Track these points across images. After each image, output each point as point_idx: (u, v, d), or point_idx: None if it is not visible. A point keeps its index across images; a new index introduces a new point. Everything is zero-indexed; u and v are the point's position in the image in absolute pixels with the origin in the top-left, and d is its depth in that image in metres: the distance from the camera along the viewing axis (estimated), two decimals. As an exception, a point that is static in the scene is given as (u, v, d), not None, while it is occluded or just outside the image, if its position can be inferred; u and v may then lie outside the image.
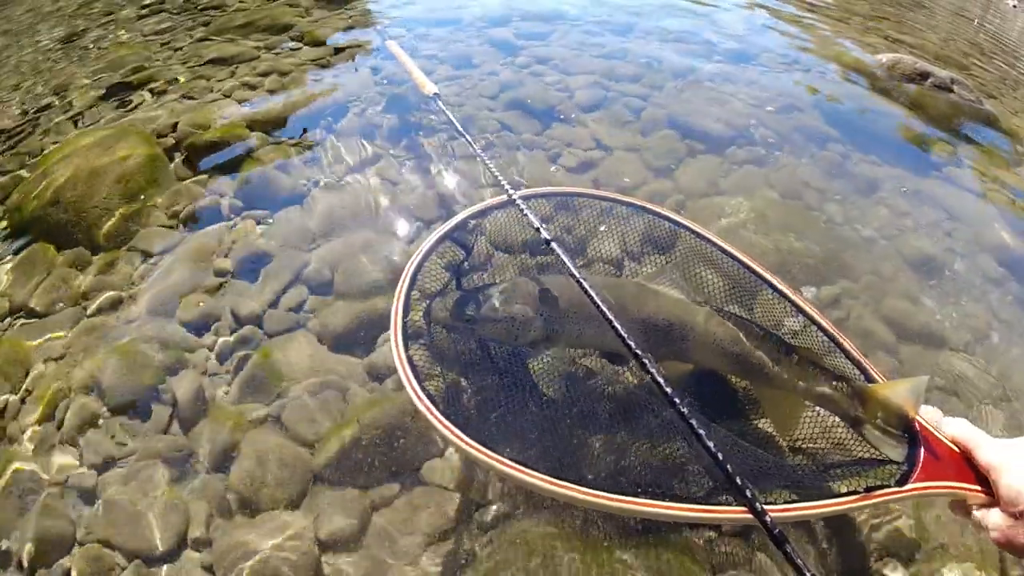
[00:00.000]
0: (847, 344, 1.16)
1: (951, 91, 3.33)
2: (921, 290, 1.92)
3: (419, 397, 1.03)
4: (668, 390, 0.92)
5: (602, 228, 1.44)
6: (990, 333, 1.82)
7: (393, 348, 1.11)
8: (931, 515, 1.34)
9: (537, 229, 1.22)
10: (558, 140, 2.40)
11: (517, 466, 0.94)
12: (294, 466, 1.37)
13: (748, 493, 0.82)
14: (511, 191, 1.32)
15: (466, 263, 1.37)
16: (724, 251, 1.33)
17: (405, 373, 1.06)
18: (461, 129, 1.70)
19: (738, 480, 0.83)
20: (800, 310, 1.24)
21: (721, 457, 0.85)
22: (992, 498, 0.85)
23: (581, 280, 1.08)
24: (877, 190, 2.34)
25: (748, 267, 1.30)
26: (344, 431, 1.40)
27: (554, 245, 1.17)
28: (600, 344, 1.26)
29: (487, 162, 1.49)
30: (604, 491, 0.93)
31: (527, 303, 1.22)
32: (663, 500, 0.93)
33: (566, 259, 1.12)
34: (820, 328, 1.19)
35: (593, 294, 1.05)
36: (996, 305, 1.92)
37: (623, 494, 0.93)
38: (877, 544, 1.29)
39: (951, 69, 3.59)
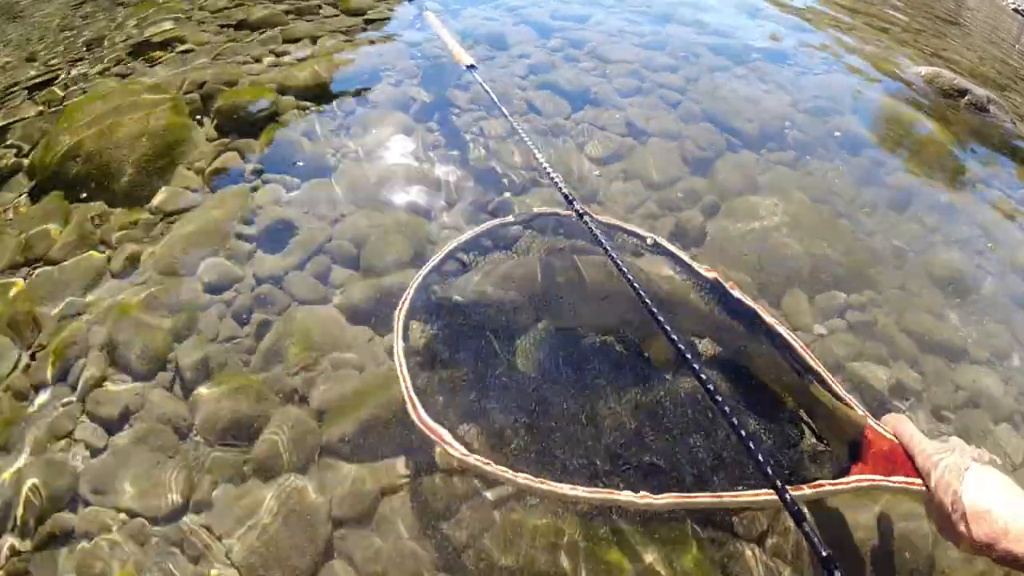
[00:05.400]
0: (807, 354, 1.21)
1: (987, 110, 3.28)
2: (947, 305, 1.91)
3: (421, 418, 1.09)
4: (696, 367, 0.93)
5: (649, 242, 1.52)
6: (1012, 353, 1.80)
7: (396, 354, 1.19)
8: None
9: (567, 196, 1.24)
10: (590, 124, 2.39)
11: (528, 477, 0.99)
12: (304, 438, 1.38)
13: (770, 471, 0.83)
14: (559, 185, 1.36)
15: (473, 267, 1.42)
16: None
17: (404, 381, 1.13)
18: (497, 101, 1.70)
19: (760, 458, 0.84)
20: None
21: (745, 435, 0.86)
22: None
23: (618, 262, 1.11)
24: (907, 202, 2.32)
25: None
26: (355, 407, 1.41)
27: (587, 219, 1.19)
28: (599, 325, 1.31)
29: (525, 137, 1.50)
30: (621, 489, 0.97)
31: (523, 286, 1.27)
32: (683, 492, 0.97)
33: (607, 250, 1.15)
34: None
35: (628, 274, 1.08)
36: (1021, 326, 1.91)
37: (635, 490, 0.97)
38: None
39: (988, 88, 3.53)
